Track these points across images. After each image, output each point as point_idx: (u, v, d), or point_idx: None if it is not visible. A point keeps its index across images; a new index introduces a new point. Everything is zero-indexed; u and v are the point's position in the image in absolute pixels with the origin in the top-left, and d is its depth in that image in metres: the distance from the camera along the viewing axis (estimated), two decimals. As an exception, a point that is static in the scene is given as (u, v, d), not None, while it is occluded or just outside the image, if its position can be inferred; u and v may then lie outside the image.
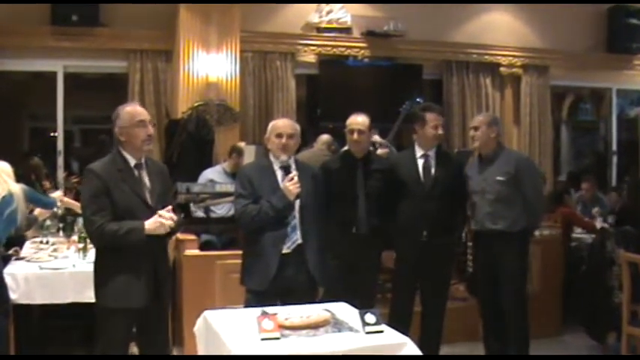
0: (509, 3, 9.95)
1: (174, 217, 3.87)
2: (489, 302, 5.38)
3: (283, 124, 4.56)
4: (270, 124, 4.63)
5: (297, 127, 4.63)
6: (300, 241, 4.40)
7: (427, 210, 5.14)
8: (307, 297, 4.24)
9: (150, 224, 3.78)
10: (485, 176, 5.25)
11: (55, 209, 6.19)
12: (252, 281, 4.43)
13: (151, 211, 3.83)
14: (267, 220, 4.37)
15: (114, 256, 3.83)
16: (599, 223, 7.46)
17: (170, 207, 3.86)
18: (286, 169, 4.47)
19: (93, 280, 3.96)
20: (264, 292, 4.31)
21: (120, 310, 3.80)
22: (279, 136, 4.49)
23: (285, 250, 4.37)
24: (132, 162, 3.92)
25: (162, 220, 3.78)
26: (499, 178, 5.18)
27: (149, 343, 4.07)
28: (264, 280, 4.34)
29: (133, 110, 3.96)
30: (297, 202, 4.41)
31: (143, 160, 3.99)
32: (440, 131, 5.30)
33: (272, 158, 4.55)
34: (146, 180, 3.96)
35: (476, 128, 5.33)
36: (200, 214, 6.76)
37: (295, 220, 4.42)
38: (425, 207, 5.15)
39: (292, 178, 4.34)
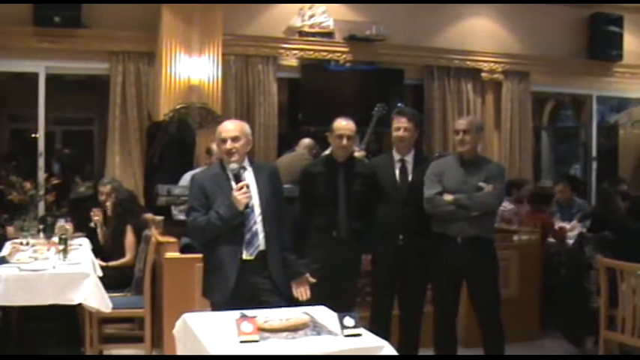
0: (491, 3, 9.97)
1: None
2: (452, 307, 5.25)
3: (225, 128, 4.25)
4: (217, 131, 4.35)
5: (245, 127, 4.32)
6: (262, 247, 4.21)
7: (404, 214, 5.17)
8: (272, 302, 4.02)
9: None
10: (466, 181, 5.10)
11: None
12: (213, 294, 4.27)
13: None
14: (217, 232, 4.15)
15: None
16: (578, 229, 7.50)
17: None
18: (236, 178, 4.20)
19: None
20: (226, 303, 4.04)
21: None
22: (223, 141, 4.21)
23: (247, 257, 4.17)
24: None
25: None
26: (482, 184, 5.07)
27: None
28: (223, 292, 4.15)
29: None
30: (257, 207, 4.20)
31: None
32: (400, 133, 5.25)
33: (225, 164, 4.27)
34: None
35: (465, 132, 5.13)
36: (181, 217, 6.74)
37: (257, 225, 4.20)
38: (401, 211, 5.18)
39: (241, 187, 4.11)
